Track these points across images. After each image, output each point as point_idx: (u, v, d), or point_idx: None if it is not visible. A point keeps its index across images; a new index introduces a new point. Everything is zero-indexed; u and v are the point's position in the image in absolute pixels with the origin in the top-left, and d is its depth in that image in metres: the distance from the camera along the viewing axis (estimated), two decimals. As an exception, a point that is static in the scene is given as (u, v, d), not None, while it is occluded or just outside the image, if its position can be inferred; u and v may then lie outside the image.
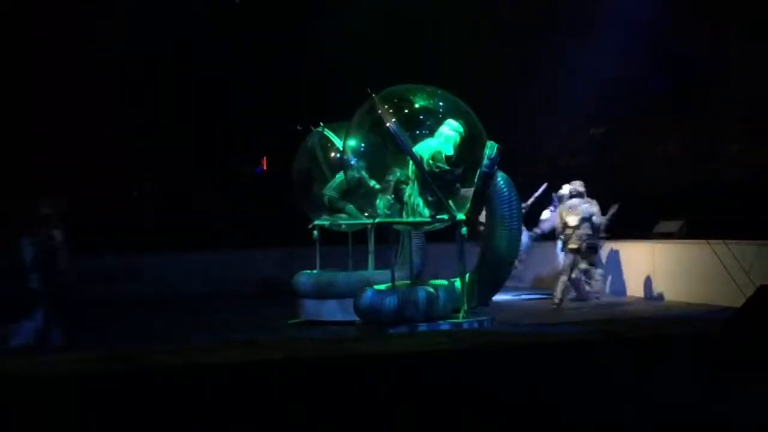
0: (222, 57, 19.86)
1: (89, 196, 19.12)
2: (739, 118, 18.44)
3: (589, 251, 13.56)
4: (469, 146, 10.56)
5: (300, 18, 20.46)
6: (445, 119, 10.61)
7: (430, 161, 10.31)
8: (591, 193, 13.76)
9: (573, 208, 13.42)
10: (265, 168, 22.48)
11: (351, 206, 12.69)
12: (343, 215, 12.87)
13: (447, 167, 10.29)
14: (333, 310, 12.05)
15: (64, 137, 19.01)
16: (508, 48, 19.49)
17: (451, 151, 10.45)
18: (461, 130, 10.50)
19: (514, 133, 16.24)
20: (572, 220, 13.32)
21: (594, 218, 13.37)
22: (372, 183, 10.96)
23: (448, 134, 10.47)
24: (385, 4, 19.47)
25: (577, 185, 13.62)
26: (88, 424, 3.86)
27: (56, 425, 3.84)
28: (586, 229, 13.32)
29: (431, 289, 10.35)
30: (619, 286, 15.15)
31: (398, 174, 10.71)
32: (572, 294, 13.99)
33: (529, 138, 19.29)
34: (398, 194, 10.66)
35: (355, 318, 10.68)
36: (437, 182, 10.27)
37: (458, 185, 10.51)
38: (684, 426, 4.44)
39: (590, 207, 13.42)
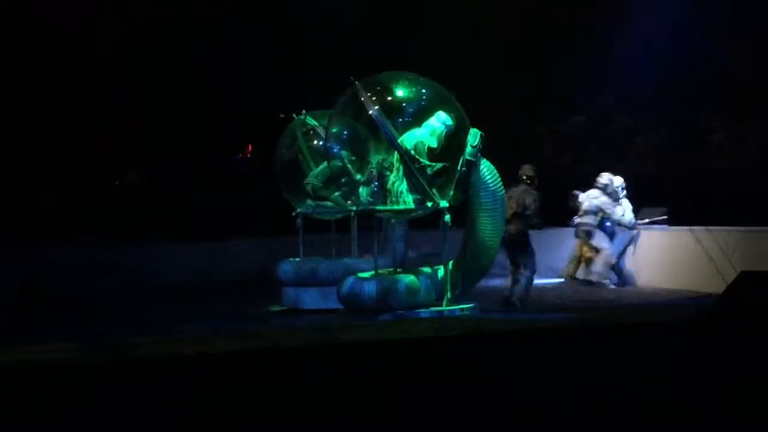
0: (203, 44, 19.74)
1: (70, 187, 18.96)
2: (721, 106, 18.51)
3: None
4: (453, 135, 10.51)
5: (284, 3, 20.37)
6: (429, 107, 10.55)
7: (412, 151, 10.25)
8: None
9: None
10: (249, 156, 22.33)
11: (336, 194, 12.64)
12: (328, 203, 12.84)
13: (426, 162, 10.22)
14: (315, 298, 12.03)
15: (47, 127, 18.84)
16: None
17: (435, 144, 10.39)
18: (450, 123, 10.42)
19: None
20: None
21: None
22: (358, 176, 10.90)
23: (435, 126, 10.40)
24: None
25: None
26: (71, 415, 3.83)
27: (36, 415, 3.81)
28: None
29: (413, 277, 10.34)
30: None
31: (380, 160, 10.66)
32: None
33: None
34: (382, 181, 10.61)
35: (337, 305, 10.68)
36: (419, 171, 10.23)
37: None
38: (667, 414, 4.44)
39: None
